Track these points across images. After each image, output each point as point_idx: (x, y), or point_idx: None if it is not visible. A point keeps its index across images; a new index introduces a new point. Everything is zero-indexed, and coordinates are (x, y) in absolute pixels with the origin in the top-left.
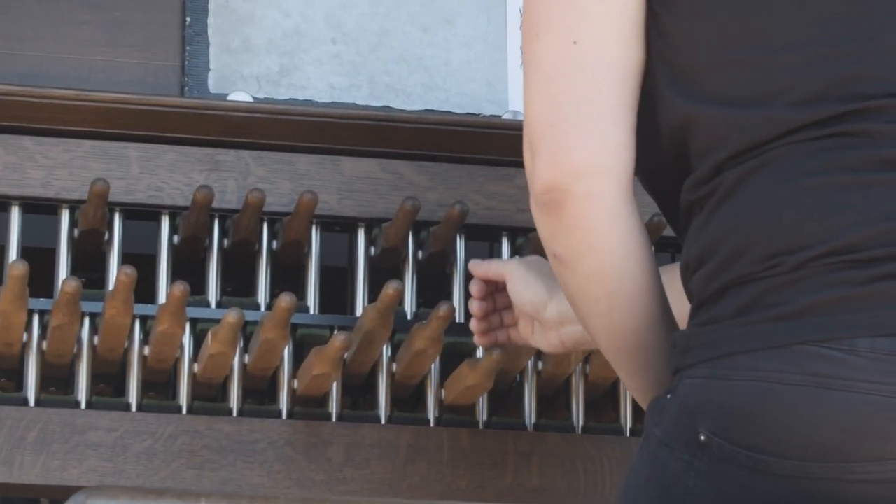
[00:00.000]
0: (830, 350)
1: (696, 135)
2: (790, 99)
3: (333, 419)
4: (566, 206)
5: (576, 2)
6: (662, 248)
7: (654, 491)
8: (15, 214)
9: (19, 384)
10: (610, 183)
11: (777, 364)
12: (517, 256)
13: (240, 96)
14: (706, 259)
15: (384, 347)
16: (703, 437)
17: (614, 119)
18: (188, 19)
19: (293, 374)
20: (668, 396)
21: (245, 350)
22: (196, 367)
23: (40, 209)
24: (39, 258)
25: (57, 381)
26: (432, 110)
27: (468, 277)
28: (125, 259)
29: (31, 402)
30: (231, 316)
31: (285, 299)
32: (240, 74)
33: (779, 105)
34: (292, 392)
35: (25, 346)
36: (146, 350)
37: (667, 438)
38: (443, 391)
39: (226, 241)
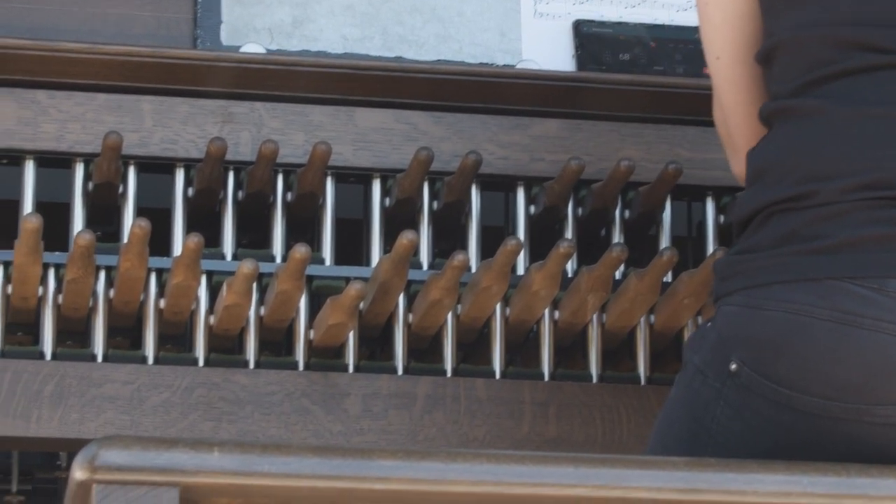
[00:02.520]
0: (861, 288)
1: (777, 62)
2: (860, 41)
3: (350, 370)
4: None
5: None
6: (679, 196)
7: (685, 420)
8: (29, 169)
9: (36, 338)
10: None
11: (808, 297)
12: (532, 206)
13: (252, 48)
14: (759, 176)
15: (400, 298)
16: (733, 366)
17: None
18: None
19: (309, 326)
20: (709, 325)
21: (261, 302)
22: (212, 320)
23: (54, 163)
24: (54, 212)
25: (73, 334)
26: (446, 60)
27: (483, 227)
28: (140, 212)
29: (48, 356)
30: (245, 267)
31: (300, 250)
32: (252, 26)
33: (851, 48)
34: (309, 343)
35: (41, 301)
36: (162, 303)
37: (703, 366)
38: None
39: (240, 194)
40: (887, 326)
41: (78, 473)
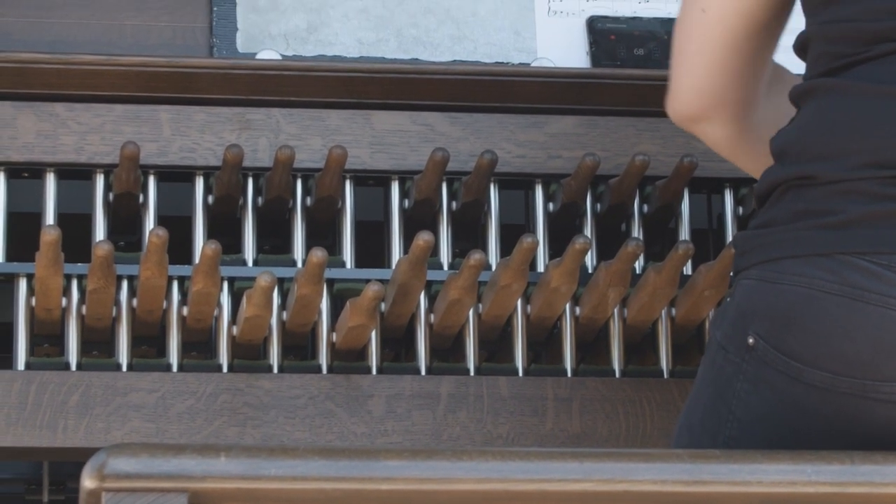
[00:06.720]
0: (870, 263)
1: (810, 50)
2: (887, 34)
3: (373, 372)
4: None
5: None
6: (697, 188)
7: (709, 397)
8: (50, 181)
9: (61, 349)
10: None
11: (819, 271)
12: (550, 204)
13: (268, 55)
14: (781, 155)
15: (421, 298)
16: (751, 340)
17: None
18: None
19: (332, 329)
20: (728, 300)
21: (283, 307)
22: (234, 330)
23: (74, 175)
24: (76, 224)
25: (98, 344)
26: (461, 61)
27: (502, 227)
28: (161, 221)
29: (73, 367)
30: (263, 280)
31: (317, 254)
32: (268, 33)
33: (878, 41)
34: (331, 346)
35: (65, 311)
36: (185, 311)
37: (724, 341)
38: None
39: (260, 200)
40: (894, 302)
41: (87, 482)
